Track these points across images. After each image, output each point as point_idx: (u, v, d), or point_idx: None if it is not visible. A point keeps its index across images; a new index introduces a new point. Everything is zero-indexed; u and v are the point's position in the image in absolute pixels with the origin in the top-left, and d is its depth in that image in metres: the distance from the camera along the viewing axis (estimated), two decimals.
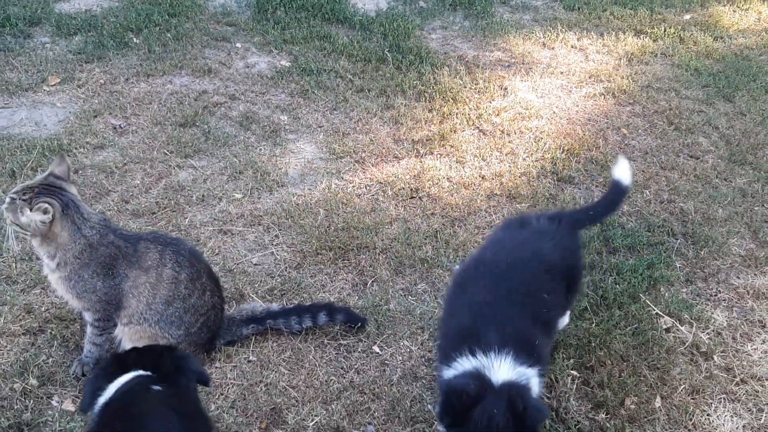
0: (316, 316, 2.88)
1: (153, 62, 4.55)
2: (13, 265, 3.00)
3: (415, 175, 3.85)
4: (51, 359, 2.66)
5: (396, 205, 3.65)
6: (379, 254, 3.30)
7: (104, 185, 3.51)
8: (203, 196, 3.53)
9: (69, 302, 2.58)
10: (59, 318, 2.82)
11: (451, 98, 4.56)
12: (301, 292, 3.08)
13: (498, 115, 4.47)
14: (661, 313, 3.11)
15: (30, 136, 3.75)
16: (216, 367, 2.72)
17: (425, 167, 3.91)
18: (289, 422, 2.53)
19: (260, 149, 3.94)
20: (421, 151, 4.06)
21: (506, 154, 4.11)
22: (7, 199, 2.43)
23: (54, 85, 4.21)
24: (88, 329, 2.60)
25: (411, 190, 3.75)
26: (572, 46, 5.52)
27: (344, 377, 2.73)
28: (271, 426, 2.53)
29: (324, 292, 3.10)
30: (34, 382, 2.56)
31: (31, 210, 2.39)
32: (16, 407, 2.46)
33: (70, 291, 2.50)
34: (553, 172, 3.99)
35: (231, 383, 2.66)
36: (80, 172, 3.57)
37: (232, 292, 3.04)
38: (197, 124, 4.04)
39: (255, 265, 3.20)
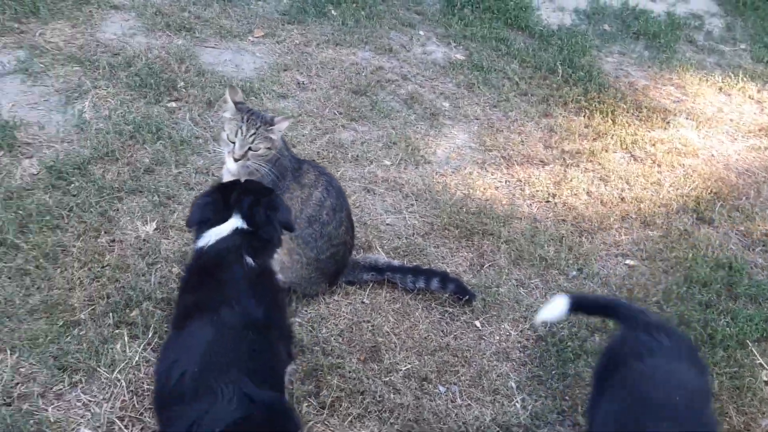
0: (429, 280, 3.15)
1: (344, 34, 5.00)
2: (193, 175, 3.51)
3: (555, 182, 4.01)
4: None
5: (530, 204, 3.84)
6: (501, 243, 3.51)
7: None
8: (357, 156, 3.91)
9: None
10: None
11: (611, 119, 4.64)
12: (422, 257, 3.36)
13: (654, 145, 4.50)
14: (765, 365, 3.09)
15: (229, 75, 4.30)
16: (334, 299, 3.07)
17: (568, 176, 4.06)
18: (384, 362, 2.83)
19: (417, 127, 4.27)
20: (568, 162, 4.20)
21: (651, 183, 4.16)
22: (246, 141, 2.76)
23: (258, 36, 4.77)
24: None
25: (548, 194, 3.92)
26: (750, 97, 5.37)
27: (442, 339, 2.99)
28: (368, 360, 2.84)
29: (443, 263, 3.36)
30: None
31: (274, 125, 2.80)
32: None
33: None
34: (694, 210, 3.99)
35: (343, 316, 3.00)
36: (267, 111, 4.06)
37: (363, 242, 3.38)
38: (368, 94, 4.43)
39: (387, 224, 3.53)
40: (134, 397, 2.52)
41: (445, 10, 5.67)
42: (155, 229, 3.19)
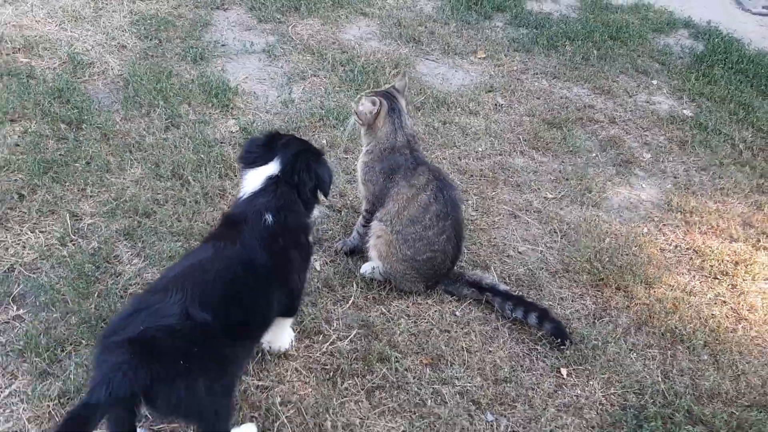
0: (528, 313, 3.02)
1: (566, 69, 4.93)
2: (353, 162, 3.81)
3: (735, 261, 3.51)
4: (328, 231, 3.41)
5: (691, 275, 3.42)
6: (633, 303, 3.20)
7: (453, 138, 4.11)
8: (520, 182, 3.86)
9: (358, 185, 3.23)
10: (352, 207, 3.53)
11: None
12: (538, 292, 3.22)
13: None
14: None
15: (433, 86, 4.55)
16: (426, 302, 3.09)
17: (753, 260, 3.53)
18: (445, 373, 2.79)
19: (601, 169, 4.05)
20: (763, 244, 3.64)
21: None
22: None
23: (479, 57, 4.94)
24: (359, 218, 3.24)
25: (719, 270, 3.45)
26: None
27: (515, 373, 2.85)
28: (430, 366, 2.83)
29: (558, 304, 3.18)
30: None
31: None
32: None
33: (363, 175, 3.13)
34: None
35: (427, 319, 3.02)
36: (446, 124, 4.23)
37: (482, 260, 3.35)
38: (563, 128, 4.32)
39: (518, 252, 3.44)
40: None
41: (692, 66, 5.24)
42: None
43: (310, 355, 2.80)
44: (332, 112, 4.07)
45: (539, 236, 3.55)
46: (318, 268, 3.18)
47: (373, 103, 3.05)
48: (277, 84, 4.36)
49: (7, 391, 2.50)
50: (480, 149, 4.07)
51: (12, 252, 3.02)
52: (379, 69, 4.57)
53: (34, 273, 2.95)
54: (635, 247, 3.54)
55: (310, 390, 2.66)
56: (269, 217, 2.37)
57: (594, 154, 4.18)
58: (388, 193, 3.07)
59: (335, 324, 2.94)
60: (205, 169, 3.54)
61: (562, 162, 4.07)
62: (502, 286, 3.15)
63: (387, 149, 3.06)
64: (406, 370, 2.77)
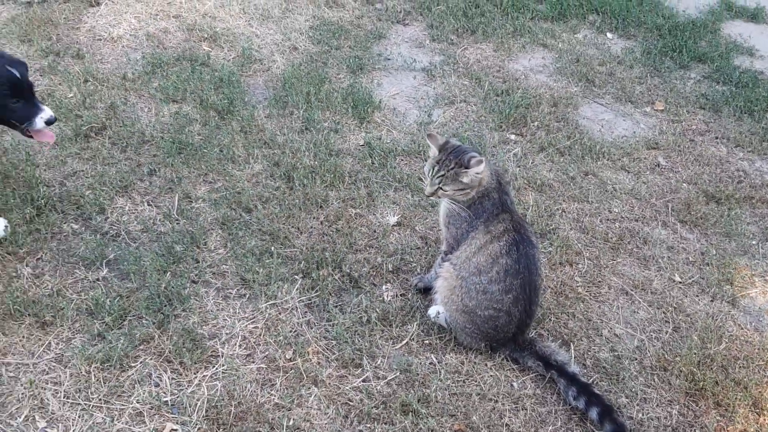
0: (590, 405, 2.64)
1: (756, 138, 4.23)
2: None
3: None
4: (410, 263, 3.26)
5: None
6: (732, 427, 2.65)
7: (588, 192, 3.72)
8: (648, 256, 3.38)
9: (440, 226, 3.05)
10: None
11: None
12: (616, 385, 2.78)
13: None
14: None
15: (589, 132, 4.17)
16: (484, 363, 2.83)
17: None
18: None
19: (756, 261, 3.42)
20: None
21: None
22: (434, 182, 2.78)
23: (656, 109, 4.43)
24: (438, 258, 3.05)
25: None
26: None
27: None
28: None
29: (636, 403, 2.73)
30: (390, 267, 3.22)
31: (469, 168, 2.74)
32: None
33: (446, 218, 2.91)
34: None
35: (477, 380, 2.76)
36: (587, 175, 3.85)
37: (568, 332, 2.99)
38: (724, 204, 3.71)
39: (612, 333, 3.01)
40: (265, 331, 2.88)
41: None
42: (396, 223, 3.44)
43: (340, 386, 2.70)
44: (466, 141, 3.90)
45: (645, 322, 3.08)
46: (386, 299, 3.07)
47: (479, 162, 2.73)
48: (423, 105, 4.29)
49: (62, 345, 2.74)
50: (615, 210, 3.64)
51: (125, 219, 3.30)
52: (534, 105, 4.29)
53: (133, 242, 3.20)
54: (762, 361, 2.93)
55: (325, 423, 2.57)
56: None
57: (754, 243, 3.54)
58: (466, 237, 2.86)
59: (378, 361, 2.81)
60: (315, 177, 3.59)
61: (710, 243, 3.50)
62: (573, 368, 2.79)
63: (478, 194, 2.84)
64: (430, 430, 2.57)
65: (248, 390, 2.64)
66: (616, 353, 2.93)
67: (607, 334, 3.02)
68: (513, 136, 4.07)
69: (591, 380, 2.79)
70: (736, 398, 2.77)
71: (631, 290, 3.23)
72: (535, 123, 4.16)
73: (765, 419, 2.72)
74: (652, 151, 4.09)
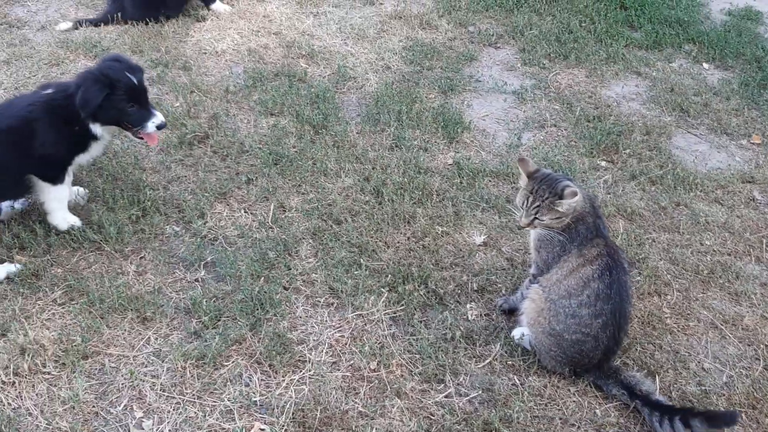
0: (672, 420, 2.59)
1: None
2: None
3: None
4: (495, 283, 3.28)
5: None
6: None
7: (679, 223, 3.65)
8: (739, 292, 3.28)
9: (530, 249, 3.06)
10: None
11: None
12: None
13: None
14: None
15: (678, 160, 4.10)
16: (567, 388, 2.82)
17: None
18: None
19: None
20: None
21: None
22: (530, 213, 2.81)
23: (753, 143, 4.31)
24: (526, 280, 3.07)
25: None
26: None
27: None
28: None
29: None
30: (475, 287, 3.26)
31: (563, 198, 2.75)
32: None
33: (537, 243, 2.93)
34: None
35: (560, 405, 2.75)
36: (678, 206, 3.78)
37: (654, 363, 2.93)
38: None
39: (701, 368, 2.95)
40: (351, 340, 2.96)
41: None
42: (482, 243, 3.47)
43: (422, 400, 2.75)
44: (554, 165, 3.90)
45: (736, 358, 3.01)
46: (470, 318, 3.10)
47: (574, 194, 2.73)
48: (512, 127, 4.32)
49: (161, 340, 2.90)
50: (707, 242, 3.56)
51: (222, 225, 3.47)
52: (626, 132, 4.25)
53: (230, 247, 3.35)
54: None
55: None
56: None
57: None
58: (557, 260, 2.87)
59: (461, 378, 2.84)
60: (403, 193, 3.66)
61: None
62: (658, 398, 2.75)
63: (572, 219, 2.85)
64: None
65: (333, 396, 2.72)
66: (704, 388, 2.87)
67: (694, 367, 2.96)
68: (604, 163, 4.05)
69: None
70: None
71: (721, 325, 3.15)
72: (627, 150, 4.12)
73: None
74: (747, 185, 3.98)
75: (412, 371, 2.85)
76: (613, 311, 2.73)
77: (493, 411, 2.69)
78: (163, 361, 2.81)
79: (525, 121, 4.38)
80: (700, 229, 3.64)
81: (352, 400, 2.72)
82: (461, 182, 3.82)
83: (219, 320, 2.99)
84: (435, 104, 4.46)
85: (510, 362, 2.92)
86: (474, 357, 2.93)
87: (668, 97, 4.64)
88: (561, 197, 2.75)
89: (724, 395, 2.85)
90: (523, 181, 2.90)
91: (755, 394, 2.86)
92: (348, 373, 2.83)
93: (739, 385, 2.89)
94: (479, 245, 3.47)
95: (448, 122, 4.25)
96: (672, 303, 3.23)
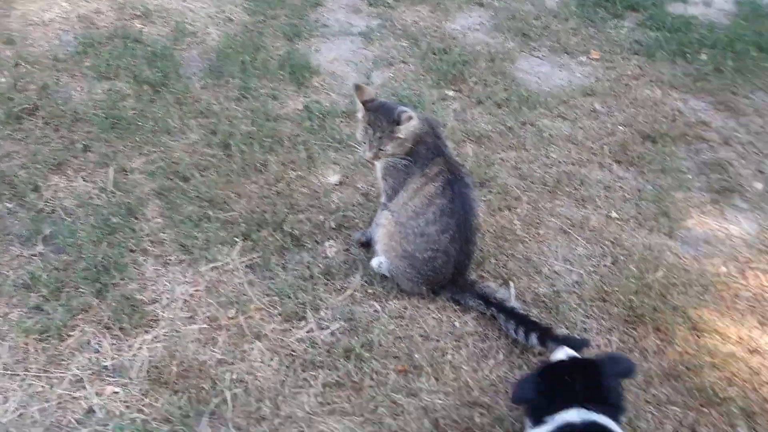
0: (529, 333, 2.66)
1: (691, 79, 4.32)
2: None
3: None
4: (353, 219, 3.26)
5: (763, 329, 2.83)
6: (671, 349, 2.71)
7: (525, 141, 3.77)
8: (586, 197, 3.43)
9: (377, 180, 3.05)
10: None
11: None
12: (555, 316, 2.83)
13: None
14: None
15: (521, 82, 4.22)
16: (427, 307, 2.85)
17: None
18: (414, 385, 2.55)
19: (692, 195, 3.50)
20: None
21: None
22: (374, 145, 2.77)
23: (592, 58, 4.49)
24: (378, 210, 3.06)
25: None
26: None
27: (494, 398, 2.52)
28: (403, 375, 2.60)
29: (577, 333, 2.78)
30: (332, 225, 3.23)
31: (401, 124, 2.75)
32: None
33: (383, 171, 2.90)
34: None
35: (420, 323, 2.78)
36: (524, 125, 3.89)
37: (508, 271, 3.02)
38: (660, 143, 3.79)
39: (553, 271, 3.06)
40: (207, 293, 2.87)
41: None
42: (338, 182, 3.44)
43: (284, 339, 2.70)
44: (406, 99, 3.91)
45: (584, 258, 3.14)
46: (329, 255, 3.07)
47: (410, 118, 2.74)
48: (361, 68, 4.29)
49: (1, 320, 2.70)
50: (552, 156, 3.69)
51: (60, 196, 3.25)
52: (472, 62, 4.32)
53: (69, 217, 3.15)
54: (699, 287, 3.00)
55: (269, 374, 2.57)
56: None
57: (689, 176, 3.61)
58: (403, 185, 2.87)
59: (322, 313, 2.81)
60: (253, 142, 3.57)
61: (646, 180, 3.57)
62: (513, 304, 2.83)
63: (413, 143, 2.84)
64: (375, 372, 2.59)
65: (190, 350, 2.62)
66: (556, 288, 2.97)
67: (546, 271, 3.06)
68: (451, 92, 4.10)
69: (531, 314, 2.83)
70: (675, 323, 2.83)
71: (569, 229, 3.28)
72: (473, 78, 4.18)
73: (704, 341, 2.79)
74: (588, 98, 4.14)
75: (271, 313, 2.79)
76: (459, 224, 2.76)
77: (355, 338, 2.69)
78: (3, 341, 2.62)
79: (374, 61, 4.36)
80: (545, 143, 3.76)
81: (211, 350, 2.63)
82: (312, 126, 3.76)
83: (61, 292, 2.80)
84: (281, 52, 4.36)
85: (370, 291, 2.92)
86: (334, 291, 2.91)
87: (510, 24, 4.75)
88: (398, 123, 2.75)
89: (575, 293, 2.96)
90: (360, 111, 2.87)
91: (604, 288, 2.99)
92: (205, 325, 2.73)
93: (588, 282, 3.02)
94: (335, 185, 3.43)
95: (295, 68, 4.16)
96: (522, 215, 3.33)
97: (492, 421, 2.45)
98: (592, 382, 2.22)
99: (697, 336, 2.80)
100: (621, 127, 3.92)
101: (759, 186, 3.60)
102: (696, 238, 3.29)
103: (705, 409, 2.53)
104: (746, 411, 2.52)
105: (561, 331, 2.75)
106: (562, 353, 2.47)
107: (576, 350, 2.53)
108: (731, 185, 3.58)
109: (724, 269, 3.12)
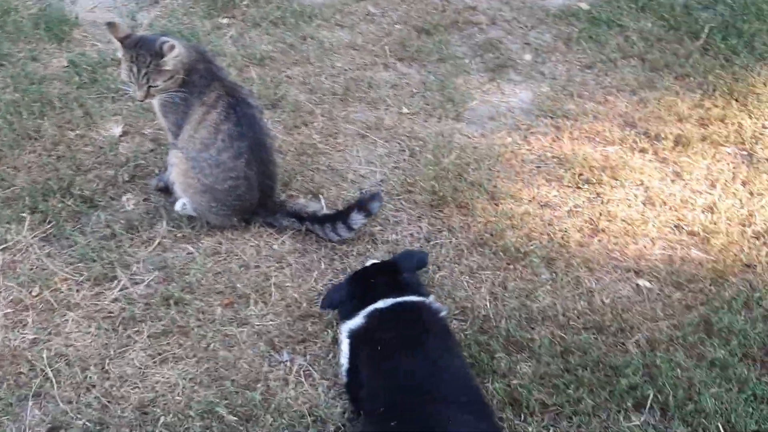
0: (337, 224, 2.77)
1: None
2: None
3: (603, 167, 3.17)
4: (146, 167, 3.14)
5: (551, 186, 3.11)
6: (475, 221, 2.92)
7: (308, 55, 3.78)
8: (377, 98, 3.53)
9: (158, 119, 2.95)
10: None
11: (741, 104, 3.50)
12: (375, 219, 2.94)
13: None
14: None
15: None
16: (243, 236, 2.83)
17: (629, 165, 3.19)
18: (242, 314, 2.55)
19: (472, 77, 3.69)
20: (642, 146, 3.29)
21: (752, 192, 3.07)
22: (142, 83, 2.65)
23: None
24: (169, 151, 2.96)
25: (583, 179, 3.12)
26: None
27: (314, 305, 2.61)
28: (230, 307, 2.60)
29: (390, 227, 2.91)
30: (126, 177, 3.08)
31: (165, 56, 2.61)
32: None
33: (161, 109, 2.81)
34: None
35: (239, 255, 2.76)
36: (305, 39, 3.89)
37: (316, 185, 3.06)
38: (435, 35, 3.94)
39: (358, 175, 3.15)
40: (3, 277, 2.66)
41: None
42: (122, 133, 3.27)
43: (97, 303, 2.58)
44: (176, 34, 3.73)
45: (385, 156, 3.24)
46: (129, 208, 2.94)
47: (172, 47, 2.62)
48: (124, 11, 4.03)
49: None
50: (338, 65, 3.72)
51: None
52: None
53: None
54: (490, 160, 3.22)
55: (89, 341, 2.46)
56: None
57: (466, 61, 3.81)
58: (186, 118, 2.78)
59: (133, 268, 2.71)
60: (20, 110, 3.27)
61: (428, 72, 3.71)
62: (325, 212, 2.89)
63: (185, 73, 2.73)
64: (200, 312, 2.56)
65: None
66: (364, 190, 3.06)
67: (352, 176, 3.14)
68: (225, 20, 3.97)
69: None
70: (473, 197, 3.03)
71: (366, 132, 3.36)
72: (244, 2, 4.08)
73: (501, 207, 3.01)
74: (362, 2, 4.19)
75: (78, 281, 2.64)
76: (251, 146, 2.74)
77: (173, 285, 2.63)
78: None
79: (137, 1, 4.10)
80: (328, 54, 3.78)
81: (21, 333, 2.46)
82: (83, 80, 3.51)
83: None
84: (33, 10, 3.98)
85: (179, 235, 2.84)
86: (141, 244, 2.80)
87: None
88: (162, 56, 2.63)
89: (382, 191, 3.07)
90: (119, 50, 2.71)
91: (407, 180, 3.12)
92: (9, 310, 2.54)
93: (392, 178, 3.13)
94: (120, 136, 3.25)
95: (52, 24, 3.83)
96: (319, 128, 3.36)
97: (324, 326, 2.53)
98: (392, 278, 2.45)
99: (495, 204, 3.02)
100: (397, 26, 4.01)
101: (528, 57, 3.87)
102: (481, 117, 3.50)
103: (512, 266, 2.76)
104: (546, 259, 2.78)
105: (376, 229, 2.88)
106: (370, 262, 2.66)
107: (370, 204, 2.79)
108: (504, 61, 3.82)
109: (509, 139, 3.35)
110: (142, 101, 2.76)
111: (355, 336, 2.31)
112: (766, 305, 2.61)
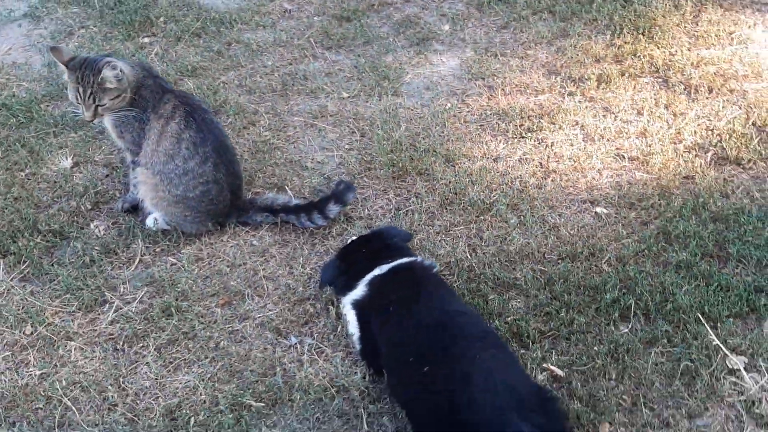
0: (313, 212, 2.87)
1: None
2: None
3: (540, 114, 3.41)
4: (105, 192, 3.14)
5: (497, 140, 3.31)
6: (437, 185, 3.08)
7: (238, 59, 3.85)
8: (315, 88, 3.64)
9: (113, 140, 2.97)
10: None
11: (648, 37, 3.82)
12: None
13: (698, 66, 3.63)
14: (723, 348, 2.40)
15: (207, 8, 4.23)
16: (221, 240, 2.90)
17: (562, 109, 3.43)
18: (241, 309, 2.62)
19: (399, 54, 3.86)
20: (568, 90, 3.55)
21: (674, 113, 3.37)
22: (89, 104, 2.72)
23: None
24: (130, 171, 2.97)
25: (525, 129, 3.34)
26: None
27: (315, 288, 2.71)
28: (227, 306, 2.66)
29: (359, 204, 3.03)
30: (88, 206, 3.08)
31: (107, 75, 2.67)
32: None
33: (117, 130, 2.84)
34: (718, 145, 3.18)
35: (221, 257, 2.83)
36: (231, 45, 3.95)
37: (278, 178, 3.16)
38: (354, 20, 4.09)
39: (317, 162, 3.26)
40: None
41: None
42: (73, 164, 3.25)
43: (95, 328, 2.60)
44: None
45: (337, 140, 3.36)
46: (101, 234, 2.94)
47: (113, 67, 2.69)
48: (42, 48, 3.97)
49: None
50: (269, 63, 3.81)
51: None
52: (152, 3, 4.20)
53: None
54: (437, 126, 3.39)
55: (97, 365, 2.47)
56: None
57: (390, 39, 3.97)
58: (144, 134, 2.81)
59: (121, 289, 2.73)
60: None
61: (358, 56, 3.85)
62: (296, 201, 2.99)
63: (133, 90, 2.77)
64: (201, 316, 2.61)
65: (4, 383, 2.42)
66: (325, 176, 3.18)
67: (311, 164, 3.24)
68: (147, 39, 3.98)
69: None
70: (431, 163, 3.19)
71: (313, 121, 3.46)
72: (161, 19, 4.09)
73: (458, 167, 3.18)
74: (276, 1, 4.27)
75: (70, 311, 2.65)
76: (216, 150, 2.81)
77: (166, 296, 2.67)
78: None
79: (51, 36, 4.04)
80: (257, 55, 3.86)
81: (26, 371, 2.45)
82: (19, 120, 3.45)
83: None
84: None
85: (158, 249, 2.88)
86: (123, 264, 2.82)
87: None
88: (103, 74, 2.67)
89: (343, 173, 3.19)
90: (65, 73, 2.73)
91: (364, 159, 3.25)
92: (7, 352, 2.52)
93: (350, 159, 3.25)
94: (72, 167, 3.23)
95: None
96: (267, 125, 3.44)
97: (324, 305, 2.63)
98: (382, 246, 2.58)
99: (452, 166, 3.19)
100: (316, 18, 4.13)
101: (446, 27, 4.06)
102: (417, 89, 3.66)
103: (481, 218, 2.95)
104: (510, 205, 2.98)
105: (348, 209, 2.99)
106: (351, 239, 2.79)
107: (345, 194, 2.90)
108: (425, 34, 4.00)
109: (449, 105, 3.53)
110: (91, 121, 2.79)
111: (360, 305, 2.42)
112: (711, 208, 2.90)
